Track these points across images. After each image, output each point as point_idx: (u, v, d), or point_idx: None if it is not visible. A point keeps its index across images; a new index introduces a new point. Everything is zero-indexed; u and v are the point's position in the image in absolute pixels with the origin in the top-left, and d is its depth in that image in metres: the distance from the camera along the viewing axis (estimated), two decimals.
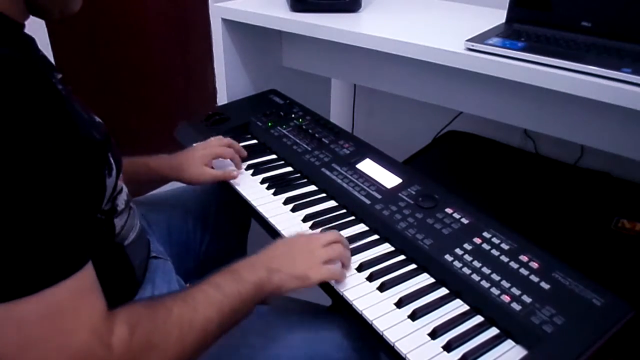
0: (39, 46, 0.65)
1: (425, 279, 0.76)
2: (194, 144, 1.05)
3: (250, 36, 1.31)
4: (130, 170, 0.94)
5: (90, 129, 0.65)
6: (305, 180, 1.01)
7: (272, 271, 0.70)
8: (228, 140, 1.06)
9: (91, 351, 0.50)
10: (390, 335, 0.66)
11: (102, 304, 0.53)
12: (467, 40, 0.90)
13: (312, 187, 0.99)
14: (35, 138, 0.47)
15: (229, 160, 1.03)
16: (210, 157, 1.00)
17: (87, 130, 0.64)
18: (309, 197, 0.95)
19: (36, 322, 0.48)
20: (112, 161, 0.68)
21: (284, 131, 1.15)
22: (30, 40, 0.63)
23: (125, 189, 0.77)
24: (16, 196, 0.45)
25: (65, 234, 0.50)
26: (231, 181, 1.00)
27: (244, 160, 1.06)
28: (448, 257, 0.77)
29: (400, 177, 0.95)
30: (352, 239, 0.84)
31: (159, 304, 0.59)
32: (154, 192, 1.07)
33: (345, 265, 0.77)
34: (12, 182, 0.45)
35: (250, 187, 0.99)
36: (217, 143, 1.04)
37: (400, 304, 0.71)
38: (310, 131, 1.13)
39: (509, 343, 0.66)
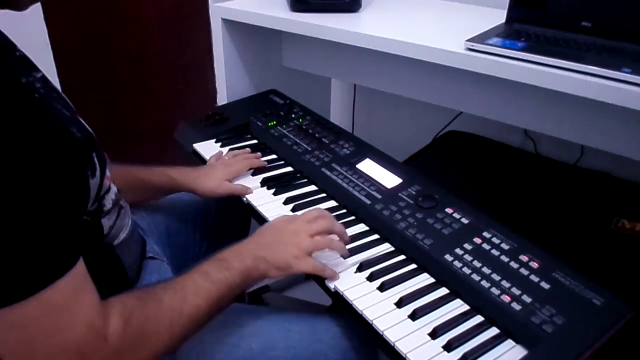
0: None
1: (425, 279, 0.76)
2: (215, 161, 1.04)
3: (250, 36, 1.31)
4: (149, 179, 0.94)
5: (70, 129, 0.65)
6: (306, 180, 1.01)
7: (259, 259, 0.72)
8: (243, 155, 1.05)
9: (88, 344, 0.52)
10: (391, 335, 0.66)
11: (96, 298, 0.55)
12: (467, 40, 0.89)
13: (312, 187, 0.99)
14: (9, 142, 0.47)
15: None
16: (230, 176, 0.99)
17: (67, 130, 0.64)
18: (309, 197, 0.95)
19: (35, 323, 0.49)
20: (95, 161, 0.67)
21: (284, 131, 1.15)
22: (3, 40, 0.62)
23: (114, 188, 0.76)
24: (3, 203, 0.46)
25: (54, 235, 0.50)
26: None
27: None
28: (448, 257, 0.77)
29: (400, 177, 0.95)
30: (352, 238, 0.83)
31: (151, 294, 0.61)
32: None
33: (339, 251, 0.78)
34: None
35: (250, 187, 0.98)
36: (235, 161, 1.02)
37: (400, 303, 0.71)
38: (310, 131, 1.13)
39: (509, 343, 0.66)
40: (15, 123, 0.48)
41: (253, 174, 1.03)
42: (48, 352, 0.51)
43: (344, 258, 0.78)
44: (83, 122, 0.70)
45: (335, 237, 0.79)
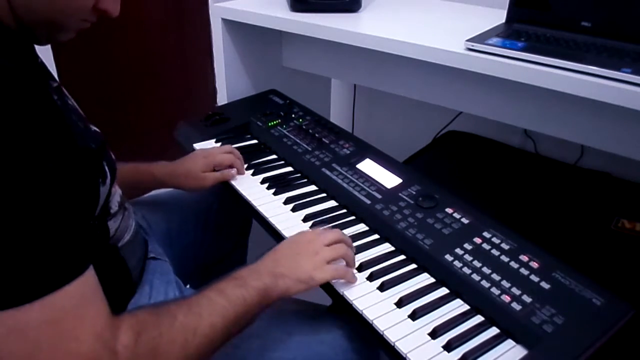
0: (39, 48, 0.65)
1: (425, 279, 0.76)
2: (196, 150, 1.05)
3: (250, 36, 1.31)
4: (134, 178, 0.95)
5: (86, 138, 0.65)
6: (306, 180, 1.01)
7: (277, 276, 0.69)
8: (228, 147, 1.06)
9: (96, 357, 0.50)
10: (391, 335, 0.66)
11: (106, 309, 0.53)
12: (467, 40, 0.90)
13: (313, 187, 0.99)
14: (34, 148, 0.47)
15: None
16: (210, 166, 1.00)
17: (83, 139, 0.64)
18: (309, 197, 0.95)
19: (40, 329, 0.48)
20: (106, 170, 0.68)
21: (284, 131, 1.15)
22: (29, 48, 0.63)
23: (118, 191, 0.76)
24: (14, 206, 0.46)
25: (63, 240, 0.50)
26: (232, 182, 1.00)
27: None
28: (448, 257, 0.77)
29: (400, 177, 0.95)
30: (352, 238, 0.83)
31: (164, 310, 0.59)
32: (154, 192, 1.07)
33: (349, 264, 0.76)
34: (10, 192, 0.45)
35: (251, 187, 0.99)
36: (218, 151, 1.03)
37: (400, 303, 0.71)
38: (310, 131, 1.13)
39: (509, 343, 0.66)
40: (39, 130, 0.48)
41: (253, 174, 1.03)
42: None
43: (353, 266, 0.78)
44: (96, 130, 0.71)
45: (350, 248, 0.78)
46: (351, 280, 0.74)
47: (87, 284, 0.51)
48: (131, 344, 0.53)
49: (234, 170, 1.00)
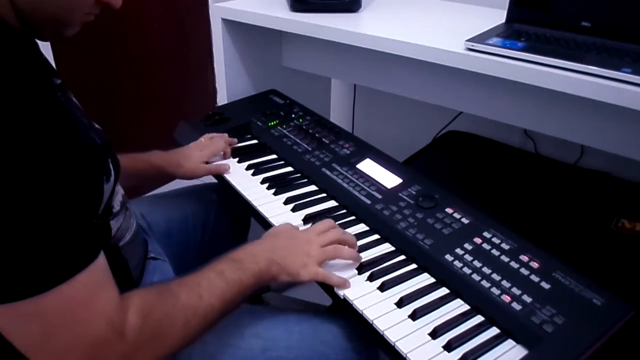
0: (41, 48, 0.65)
1: (425, 279, 0.76)
2: (190, 144, 1.09)
3: (250, 36, 1.31)
4: (131, 166, 0.96)
5: (91, 135, 0.66)
6: (306, 180, 1.01)
7: (272, 263, 0.73)
8: (214, 135, 1.10)
9: (106, 339, 0.53)
10: (391, 335, 0.66)
11: (115, 293, 0.56)
12: (467, 40, 0.90)
13: (313, 187, 0.99)
14: (41, 143, 0.48)
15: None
16: (206, 157, 1.05)
17: (88, 134, 0.65)
18: (309, 197, 0.95)
19: (56, 315, 0.50)
20: (111, 167, 0.69)
21: (284, 131, 1.15)
22: (33, 46, 0.63)
23: (120, 190, 0.77)
24: (27, 200, 0.47)
25: (72, 230, 0.51)
26: (231, 182, 1.00)
27: (240, 156, 1.08)
28: (448, 257, 0.77)
29: (401, 177, 0.95)
30: None
31: (168, 291, 0.62)
32: (154, 192, 1.08)
33: (346, 256, 0.78)
34: (20, 187, 0.47)
35: (251, 187, 0.99)
36: (209, 143, 1.08)
37: (400, 303, 0.71)
38: (310, 131, 1.13)
39: (509, 343, 0.66)
40: (44, 125, 0.49)
41: (253, 174, 1.03)
42: (66, 345, 0.51)
43: (356, 263, 0.78)
44: (99, 128, 0.71)
45: (344, 247, 0.79)
46: (340, 285, 0.74)
47: (98, 270, 0.54)
48: (137, 326, 0.55)
49: (228, 166, 1.04)
